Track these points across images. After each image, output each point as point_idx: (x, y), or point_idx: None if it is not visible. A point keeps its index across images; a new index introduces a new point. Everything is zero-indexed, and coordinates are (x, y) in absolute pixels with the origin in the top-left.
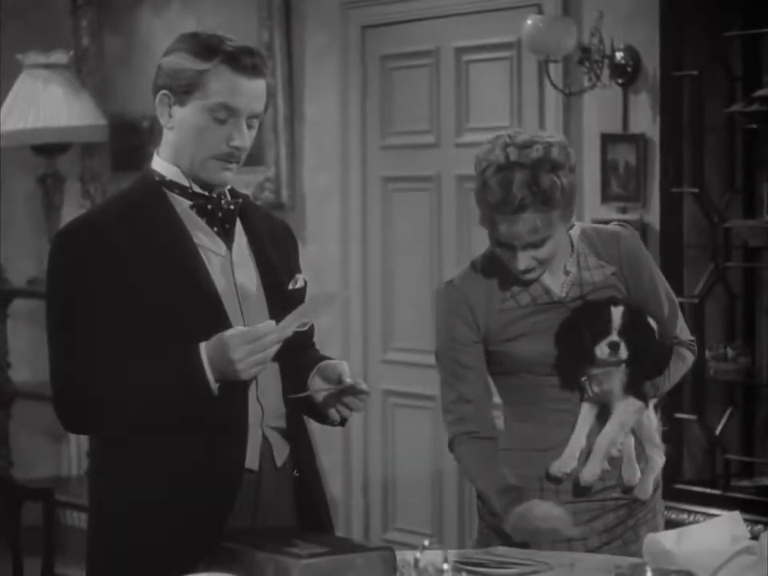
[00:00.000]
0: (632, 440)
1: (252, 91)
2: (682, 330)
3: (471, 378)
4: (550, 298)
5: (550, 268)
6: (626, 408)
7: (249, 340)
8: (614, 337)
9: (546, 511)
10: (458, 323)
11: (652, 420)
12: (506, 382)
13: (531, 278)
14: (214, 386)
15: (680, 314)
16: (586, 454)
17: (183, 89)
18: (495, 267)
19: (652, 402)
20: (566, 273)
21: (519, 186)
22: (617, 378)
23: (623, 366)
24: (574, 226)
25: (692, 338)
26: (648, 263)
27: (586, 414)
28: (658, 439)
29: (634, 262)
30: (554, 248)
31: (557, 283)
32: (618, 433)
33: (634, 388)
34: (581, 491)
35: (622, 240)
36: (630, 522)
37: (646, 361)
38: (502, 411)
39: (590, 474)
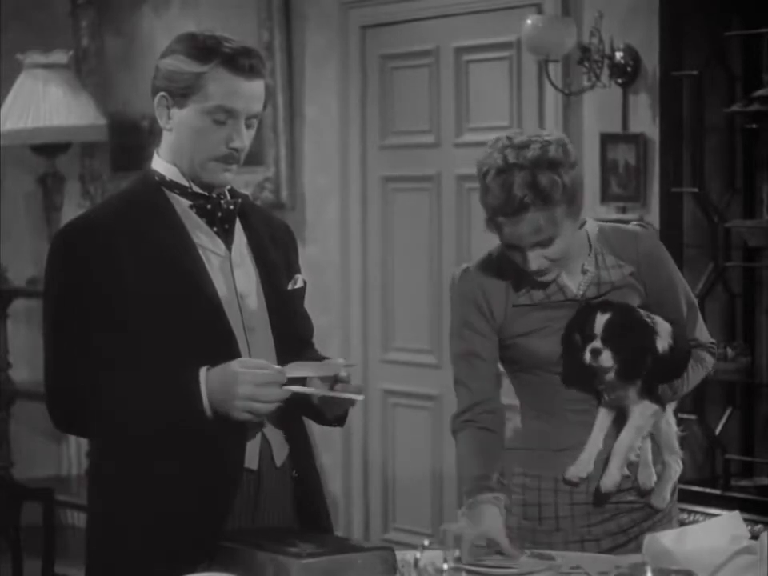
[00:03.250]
0: (649, 443)
1: (250, 92)
2: (701, 332)
3: (478, 367)
4: (564, 296)
5: (567, 268)
6: (642, 412)
7: (258, 382)
8: (597, 343)
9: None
10: (472, 311)
11: (671, 425)
12: (523, 379)
13: (546, 280)
14: (209, 414)
15: (699, 316)
16: (604, 460)
17: (181, 91)
18: (512, 259)
19: (671, 407)
20: (584, 272)
21: (519, 187)
22: (631, 383)
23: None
24: (586, 222)
25: (712, 340)
26: (667, 264)
27: (603, 418)
28: (676, 446)
29: (652, 263)
30: (564, 246)
31: (574, 282)
32: (636, 438)
33: (649, 391)
34: (601, 498)
35: (640, 240)
36: (646, 525)
37: (661, 364)
38: (520, 410)
39: (610, 481)
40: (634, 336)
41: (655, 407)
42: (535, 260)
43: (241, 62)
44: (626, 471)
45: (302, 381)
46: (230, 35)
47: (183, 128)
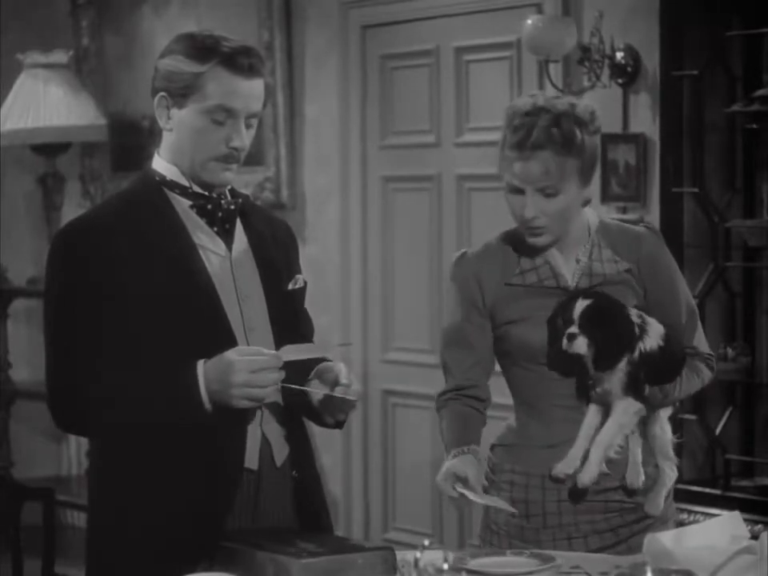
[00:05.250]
0: (639, 443)
1: (250, 91)
2: (700, 342)
3: (466, 354)
4: (557, 283)
5: (563, 253)
6: (625, 409)
7: (253, 368)
8: (573, 329)
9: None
10: (464, 298)
11: (666, 431)
12: (515, 374)
13: (539, 243)
14: (208, 406)
15: (699, 325)
16: (585, 456)
17: (180, 92)
18: (510, 244)
19: (666, 413)
20: (577, 261)
21: (541, 127)
22: (616, 378)
23: (624, 365)
24: (589, 212)
25: (710, 352)
26: (669, 268)
27: (592, 415)
28: (671, 452)
29: (654, 266)
30: (563, 207)
31: (568, 271)
32: (617, 434)
33: (633, 389)
34: (578, 493)
35: (644, 241)
36: (637, 528)
37: (650, 364)
38: (513, 407)
39: (587, 476)
40: (611, 325)
41: (639, 405)
42: (534, 207)
43: (240, 61)
44: (605, 468)
45: (302, 381)
46: (228, 35)
47: (183, 128)
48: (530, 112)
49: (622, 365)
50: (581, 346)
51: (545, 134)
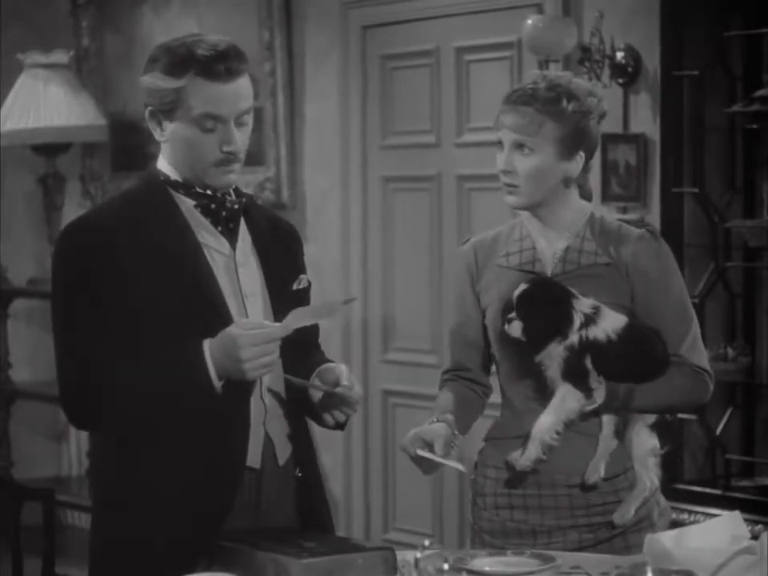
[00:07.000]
0: (612, 446)
1: (233, 94)
2: (691, 353)
3: (464, 341)
4: (533, 268)
5: (550, 239)
6: (563, 396)
7: (258, 342)
8: (512, 313)
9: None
10: (457, 284)
11: (643, 438)
12: (497, 364)
13: (510, 203)
14: (218, 383)
15: (693, 336)
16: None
17: (166, 107)
18: (510, 229)
19: (645, 421)
20: (555, 249)
21: (531, 87)
22: (555, 364)
23: (562, 351)
24: (587, 204)
25: (704, 366)
26: (663, 273)
27: None
28: (650, 462)
29: (643, 268)
30: (537, 167)
31: (549, 257)
32: (554, 420)
33: (572, 376)
34: (514, 479)
35: (637, 243)
36: (602, 535)
37: (597, 356)
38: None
39: (523, 460)
40: (540, 310)
41: (577, 393)
42: (507, 160)
43: (216, 68)
44: (542, 454)
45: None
46: (204, 35)
47: (176, 139)
48: (530, 81)
49: (560, 350)
50: (516, 329)
51: (532, 92)
